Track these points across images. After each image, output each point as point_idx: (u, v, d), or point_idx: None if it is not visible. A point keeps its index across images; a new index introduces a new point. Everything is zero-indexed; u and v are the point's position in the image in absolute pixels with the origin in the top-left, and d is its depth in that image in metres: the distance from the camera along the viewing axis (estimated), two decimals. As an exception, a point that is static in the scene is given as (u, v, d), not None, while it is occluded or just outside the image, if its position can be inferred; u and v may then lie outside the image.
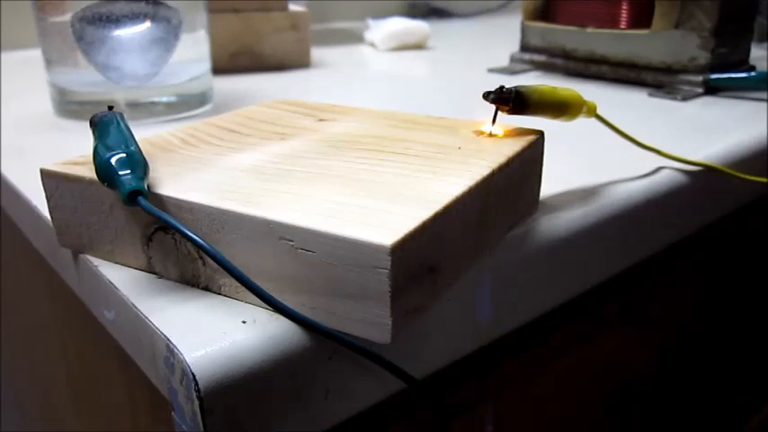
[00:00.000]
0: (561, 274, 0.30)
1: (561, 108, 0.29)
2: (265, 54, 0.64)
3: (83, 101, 0.46)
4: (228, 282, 0.22)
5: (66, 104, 0.46)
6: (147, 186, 0.22)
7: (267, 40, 0.64)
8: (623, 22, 0.55)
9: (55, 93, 0.47)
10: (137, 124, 0.44)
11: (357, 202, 0.21)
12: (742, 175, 0.36)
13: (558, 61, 0.61)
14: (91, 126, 0.24)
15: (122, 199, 0.20)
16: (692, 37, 0.52)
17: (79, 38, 0.44)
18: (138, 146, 0.23)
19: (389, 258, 0.18)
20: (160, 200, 0.22)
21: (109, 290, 0.23)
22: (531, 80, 0.60)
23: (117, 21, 0.44)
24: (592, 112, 0.31)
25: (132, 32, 0.45)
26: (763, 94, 0.51)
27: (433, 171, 0.23)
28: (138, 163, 0.22)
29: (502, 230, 0.27)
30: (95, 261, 0.25)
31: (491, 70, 0.64)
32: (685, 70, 0.53)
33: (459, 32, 0.97)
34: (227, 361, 0.19)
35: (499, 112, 0.28)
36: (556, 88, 0.29)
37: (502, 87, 0.28)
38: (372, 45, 0.80)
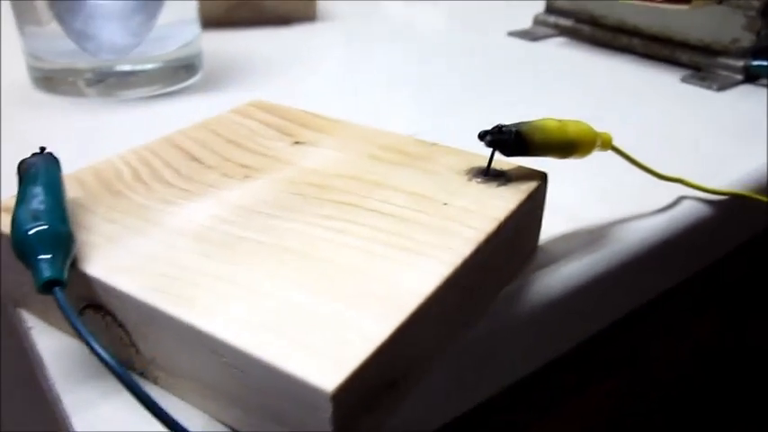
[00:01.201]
0: (555, 332, 0.27)
1: (569, 149, 0.25)
2: (267, 6, 0.59)
3: (60, 68, 0.42)
4: (163, 375, 0.19)
5: (42, 74, 0.43)
6: (74, 259, 0.19)
7: (269, -10, 0.59)
8: (660, -5, 0.49)
9: (31, 60, 0.43)
10: (115, 101, 0.41)
11: (307, 300, 0.18)
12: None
13: (585, 28, 0.55)
14: (18, 174, 0.21)
15: (36, 287, 0.18)
16: (736, 16, 0.46)
17: (53, 2, 0.40)
18: (65, 210, 0.20)
19: (331, 404, 0.15)
20: (86, 280, 0.19)
21: (41, 361, 0.21)
22: (554, 48, 0.55)
23: (93, -15, 0.39)
24: (607, 145, 0.27)
25: (111, -2, 0.41)
26: (809, 86, 0.46)
27: (406, 247, 0.20)
28: (61, 240, 0.19)
29: (489, 298, 0.24)
30: (30, 321, 0.22)
31: (511, 34, 0.58)
32: (725, 52, 0.47)
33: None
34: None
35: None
36: (564, 123, 0.25)
37: (500, 127, 0.24)
38: (388, -9, 0.74)
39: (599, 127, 0.26)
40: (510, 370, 0.26)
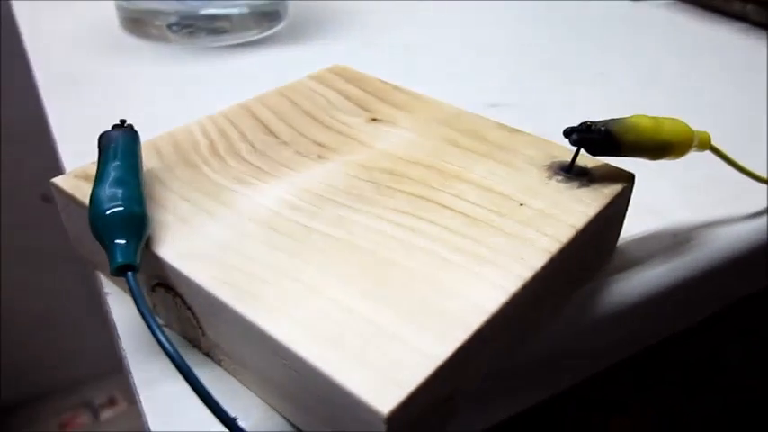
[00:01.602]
0: (624, 337, 0.26)
1: (663, 151, 0.23)
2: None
3: (146, 10, 0.42)
4: (227, 360, 0.20)
5: (129, 14, 0.43)
6: (148, 238, 0.20)
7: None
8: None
9: (119, 1, 0.43)
10: (198, 49, 0.41)
11: (371, 310, 0.17)
12: None
13: (695, -11, 0.51)
14: (98, 146, 0.22)
15: (110, 270, 0.18)
16: None
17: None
18: (142, 190, 0.20)
19: (385, 426, 0.15)
20: (158, 260, 0.19)
21: (116, 329, 0.22)
22: (656, 9, 0.51)
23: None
24: (704, 145, 0.25)
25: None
26: None
27: (477, 254, 0.19)
28: (136, 224, 0.19)
29: (558, 303, 0.23)
30: (108, 287, 0.23)
31: (612, -11, 0.54)
32: None
33: None
34: (208, 474, 0.18)
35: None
36: (659, 123, 0.23)
37: (588, 125, 0.23)
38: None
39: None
40: (572, 372, 0.25)
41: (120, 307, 0.22)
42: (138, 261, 0.18)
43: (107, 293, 0.23)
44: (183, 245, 0.20)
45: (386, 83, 0.29)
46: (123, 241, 0.18)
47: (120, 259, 0.18)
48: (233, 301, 0.18)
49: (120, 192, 0.19)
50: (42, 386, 1.05)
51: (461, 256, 0.19)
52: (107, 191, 0.19)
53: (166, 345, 0.17)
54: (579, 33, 0.46)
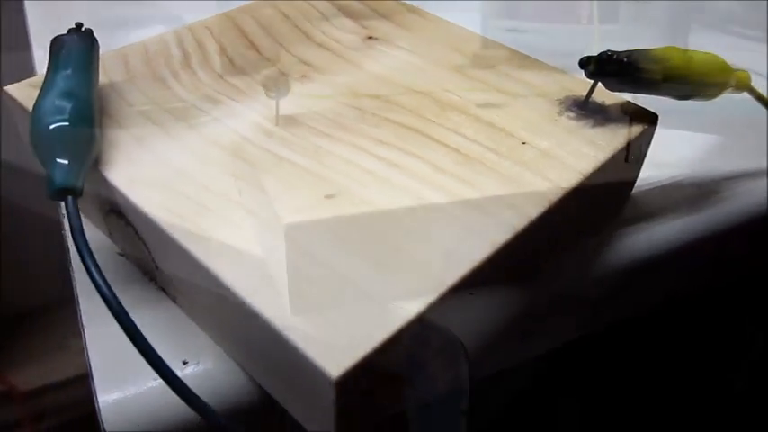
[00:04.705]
0: (629, 296, 0.23)
1: (693, 88, 0.20)
2: None
3: None
4: (181, 298, 0.18)
5: None
6: (97, 159, 0.18)
7: None
8: None
9: None
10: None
11: (330, 257, 0.15)
12: None
13: None
14: (49, 52, 0.19)
15: (49, 192, 0.16)
16: None
17: None
18: (93, 105, 0.18)
19: (334, 391, 0.13)
20: (107, 184, 0.17)
21: (69, 255, 0.20)
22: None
23: None
24: (743, 86, 0.22)
25: None
26: None
27: (463, 198, 0.17)
28: (83, 141, 0.17)
29: (557, 254, 0.21)
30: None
31: None
32: None
33: None
34: (143, 419, 0.16)
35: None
36: (689, 55, 0.20)
37: (610, 54, 0.20)
38: None
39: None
40: (570, 329, 0.23)
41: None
42: (80, 185, 0.16)
43: (63, 215, 0.21)
44: (134, 169, 0.17)
45: (392, -3, 0.26)
46: (65, 162, 0.16)
47: (59, 182, 0.16)
48: (181, 237, 0.16)
49: (67, 105, 0.17)
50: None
51: (446, 198, 0.17)
52: (52, 103, 0.17)
53: (103, 288, 0.15)
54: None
